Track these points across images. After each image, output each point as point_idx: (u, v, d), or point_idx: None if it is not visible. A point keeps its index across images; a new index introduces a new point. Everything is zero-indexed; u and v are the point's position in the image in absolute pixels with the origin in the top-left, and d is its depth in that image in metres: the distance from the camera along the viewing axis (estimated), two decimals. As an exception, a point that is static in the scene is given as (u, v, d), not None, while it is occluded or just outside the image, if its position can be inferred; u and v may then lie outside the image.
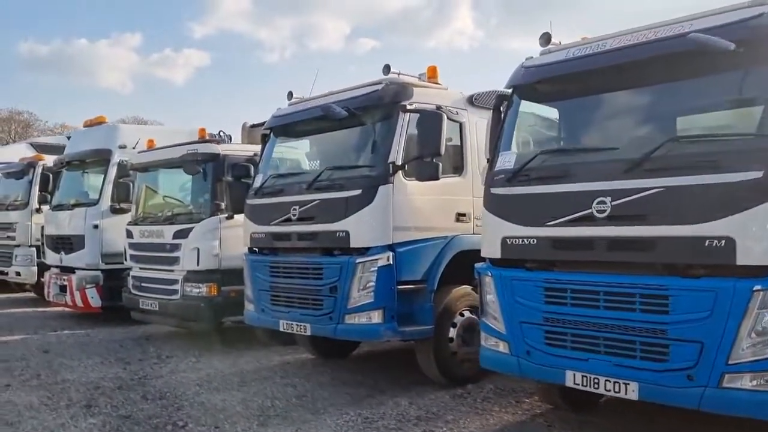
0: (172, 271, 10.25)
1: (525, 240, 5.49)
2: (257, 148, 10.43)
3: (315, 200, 7.60)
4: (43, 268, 15.19)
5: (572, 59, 5.47)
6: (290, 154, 9.34)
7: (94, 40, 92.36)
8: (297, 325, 7.72)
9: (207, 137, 10.52)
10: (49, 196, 15.06)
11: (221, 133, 12.12)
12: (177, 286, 10.09)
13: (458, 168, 7.75)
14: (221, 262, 9.89)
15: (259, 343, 10.21)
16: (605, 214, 4.92)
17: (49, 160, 15.98)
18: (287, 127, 8.59)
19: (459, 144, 7.79)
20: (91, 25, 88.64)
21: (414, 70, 7.95)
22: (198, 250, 9.85)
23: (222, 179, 9.96)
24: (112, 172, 12.65)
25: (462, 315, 7.57)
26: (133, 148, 12.86)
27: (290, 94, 8.85)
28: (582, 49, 5.46)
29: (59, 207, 13.67)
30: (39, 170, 15.47)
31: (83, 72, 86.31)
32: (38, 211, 15.40)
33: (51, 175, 15.05)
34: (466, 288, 7.52)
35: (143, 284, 10.77)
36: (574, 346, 5.15)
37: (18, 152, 18.71)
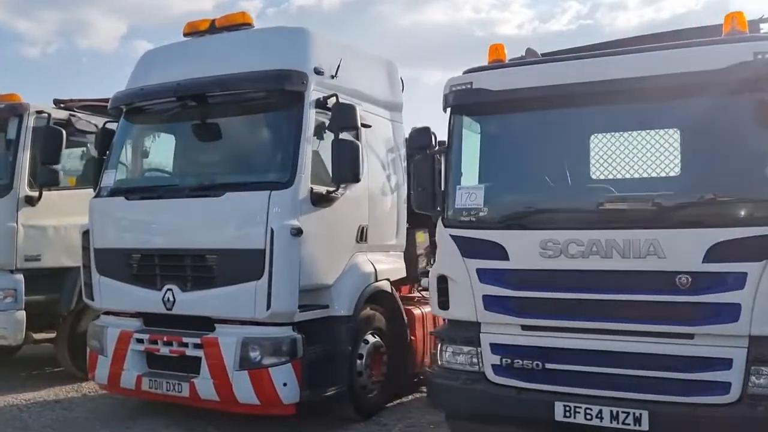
0: (690, 337, 4.35)
1: None
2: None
3: None
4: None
5: None
6: None
7: None
8: None
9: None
10: (58, 173, 7.71)
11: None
12: (727, 373, 4.22)
13: None
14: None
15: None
16: None
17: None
18: None
19: None
20: None
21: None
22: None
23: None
24: (309, 118, 6.10)
25: None
26: (333, 76, 6.43)
27: None
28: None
29: (149, 192, 6.54)
30: (30, 122, 7.91)
31: None
32: (31, 201, 7.83)
33: (63, 132, 7.69)
34: None
35: (563, 366, 4.62)
36: None
37: None
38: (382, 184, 7.15)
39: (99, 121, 8.53)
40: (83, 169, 8.79)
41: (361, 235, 6.76)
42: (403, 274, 7.49)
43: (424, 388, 8.03)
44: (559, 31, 51.91)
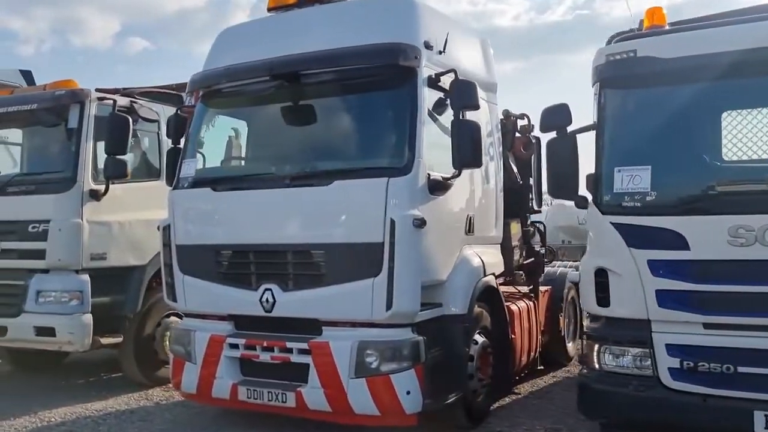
0: None
1: None
2: None
3: None
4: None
5: None
6: None
7: None
8: None
9: None
10: (125, 164, 7.14)
11: None
12: None
13: None
14: None
15: None
16: None
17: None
18: None
19: None
20: None
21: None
22: None
23: None
24: (424, 97, 5.50)
25: None
26: (441, 52, 5.84)
27: None
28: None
29: (240, 182, 5.95)
30: (93, 109, 7.27)
31: None
32: (96, 195, 7.21)
33: (130, 120, 7.12)
34: None
35: (762, 371, 4.06)
36: None
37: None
38: (483, 171, 6.56)
39: (160, 108, 8.01)
40: (138, 160, 8.18)
41: (469, 227, 6.19)
42: (502, 267, 6.91)
43: (516, 389, 7.55)
44: (555, 21, 51.36)
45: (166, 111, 7.95)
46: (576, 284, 9.45)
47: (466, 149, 5.42)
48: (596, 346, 4.63)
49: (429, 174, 5.45)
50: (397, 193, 5.23)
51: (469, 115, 5.81)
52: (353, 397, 5.28)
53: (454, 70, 5.57)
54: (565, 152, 4.84)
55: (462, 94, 5.45)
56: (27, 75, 10.89)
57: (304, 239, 5.55)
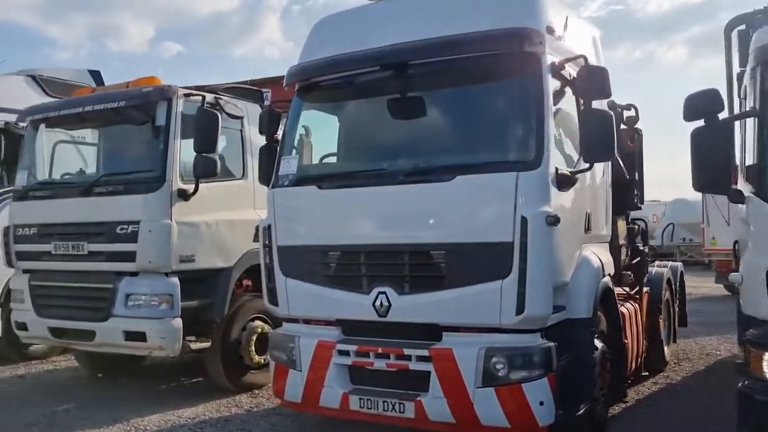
0: None
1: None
2: None
3: None
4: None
5: None
6: None
7: None
8: None
9: None
10: (215, 162, 6.89)
11: None
12: None
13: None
14: None
15: None
16: None
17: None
18: None
19: None
20: None
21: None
22: None
23: None
24: (549, 86, 5.08)
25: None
26: (560, 37, 5.45)
27: None
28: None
29: (349, 179, 5.59)
30: (180, 106, 6.99)
31: None
32: (184, 194, 6.94)
33: (219, 117, 6.85)
34: None
35: None
36: None
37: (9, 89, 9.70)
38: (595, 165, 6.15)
39: (243, 105, 7.75)
40: (222, 159, 7.88)
41: (588, 224, 5.80)
42: (613, 268, 6.48)
43: (627, 399, 7.08)
44: (588, 17, 50.63)
45: (249, 108, 7.71)
46: (670, 285, 9.04)
47: (599, 141, 5.01)
48: (766, 355, 4.20)
49: (557, 168, 5.07)
50: (527, 189, 4.85)
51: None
52: (480, 408, 4.91)
53: (584, 57, 5.18)
54: (717, 142, 4.41)
55: (595, 81, 5.05)
56: (96, 75, 10.75)
57: (423, 239, 5.19)
